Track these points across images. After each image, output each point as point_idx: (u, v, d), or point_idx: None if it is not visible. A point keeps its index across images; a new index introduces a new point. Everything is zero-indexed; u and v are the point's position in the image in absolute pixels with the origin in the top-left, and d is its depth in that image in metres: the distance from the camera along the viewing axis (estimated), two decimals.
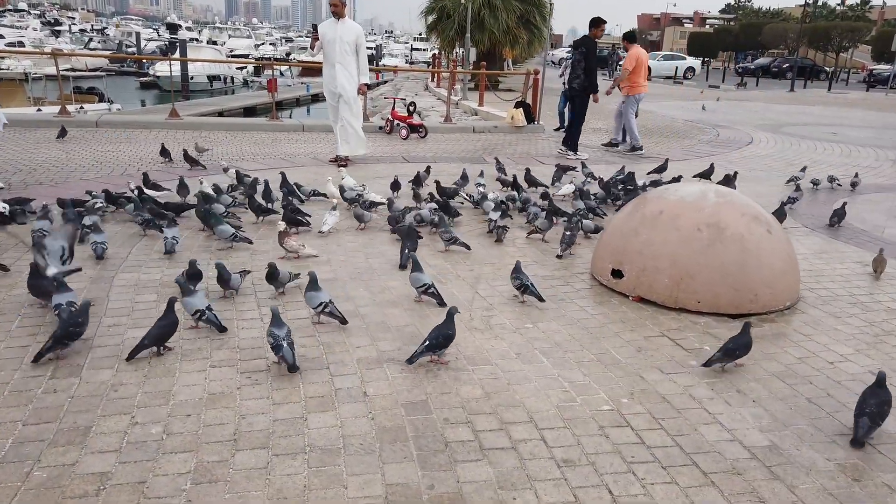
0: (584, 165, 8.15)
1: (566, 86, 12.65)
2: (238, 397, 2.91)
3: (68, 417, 2.70)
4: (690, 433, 2.75)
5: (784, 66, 44.51)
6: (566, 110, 12.86)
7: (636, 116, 10.76)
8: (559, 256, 4.97)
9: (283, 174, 6.42)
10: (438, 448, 2.60)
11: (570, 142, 10.13)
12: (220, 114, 22.46)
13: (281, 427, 2.70)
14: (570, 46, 11.96)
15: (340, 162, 8.53)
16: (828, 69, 45.82)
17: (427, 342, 3.19)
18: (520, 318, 3.88)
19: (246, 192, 6.09)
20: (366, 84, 8.53)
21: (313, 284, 3.67)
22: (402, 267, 4.58)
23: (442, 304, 3.97)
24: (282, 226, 4.69)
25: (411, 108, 12.34)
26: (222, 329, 3.52)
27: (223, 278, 3.94)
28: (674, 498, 2.36)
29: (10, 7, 74.06)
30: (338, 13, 8.04)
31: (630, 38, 11.29)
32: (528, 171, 7.47)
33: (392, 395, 2.97)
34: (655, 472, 2.49)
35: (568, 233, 4.97)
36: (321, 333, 3.57)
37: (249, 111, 26.30)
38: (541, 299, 4.05)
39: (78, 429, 2.63)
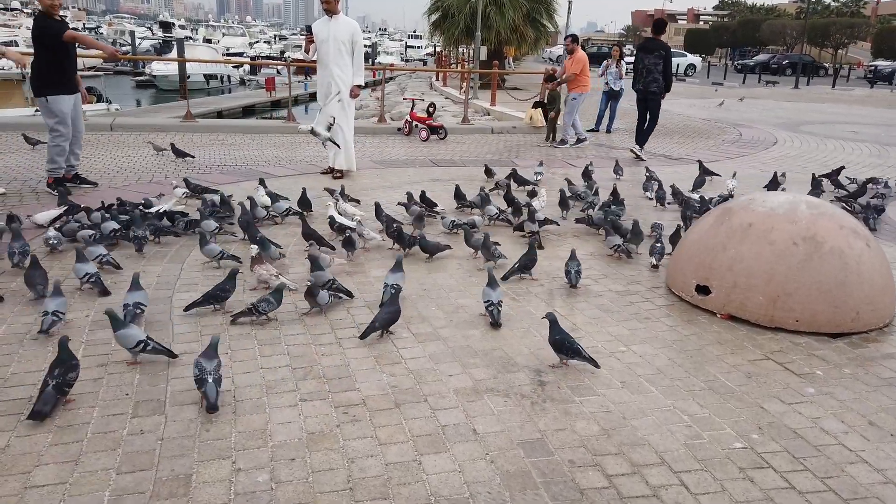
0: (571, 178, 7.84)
1: (609, 86, 12.57)
2: (340, 437, 2.68)
3: (164, 464, 2.46)
4: (839, 475, 2.53)
5: (784, 63, 44.46)
6: (608, 109, 12.80)
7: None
8: (654, 266, 4.85)
9: (303, 189, 5.99)
10: (574, 497, 2.37)
11: (641, 140, 10.00)
12: (220, 113, 22.20)
13: (396, 472, 2.48)
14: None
15: (335, 174, 7.80)
16: (826, 65, 45.81)
17: (577, 345, 3.26)
18: (610, 340, 3.66)
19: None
20: (359, 86, 7.70)
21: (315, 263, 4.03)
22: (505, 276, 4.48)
23: (495, 325, 3.75)
24: (254, 250, 4.19)
25: (431, 110, 12.09)
26: (173, 355, 3.21)
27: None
28: None
29: (2, 6, 73.15)
30: (330, 10, 7.42)
31: (575, 39, 11.73)
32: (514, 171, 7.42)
33: (504, 433, 2.74)
34: None
35: (658, 244, 4.80)
36: (407, 360, 3.35)
37: (248, 110, 26.01)
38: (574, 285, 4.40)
39: (178, 478, 2.39)
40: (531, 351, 3.49)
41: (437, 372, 3.24)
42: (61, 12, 6.62)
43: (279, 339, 3.52)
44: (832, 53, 53.54)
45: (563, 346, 3.24)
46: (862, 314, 3.74)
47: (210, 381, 2.81)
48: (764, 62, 45.76)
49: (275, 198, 5.80)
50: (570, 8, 17.46)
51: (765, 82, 32.60)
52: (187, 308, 3.76)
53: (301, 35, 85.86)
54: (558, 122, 11.43)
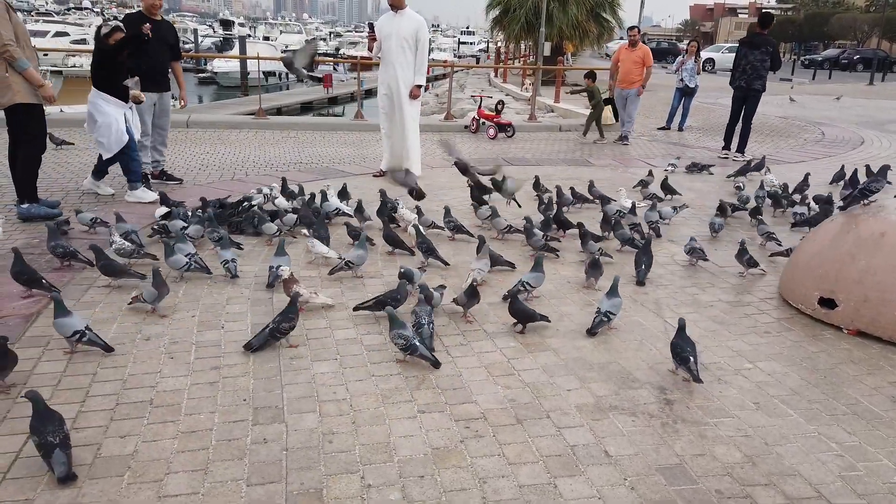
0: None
1: (683, 83, 12.15)
2: (466, 454, 2.57)
3: (293, 476, 2.40)
4: None
5: (854, 58, 42.58)
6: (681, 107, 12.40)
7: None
8: (743, 274, 4.68)
9: (381, 192, 5.65)
10: None
11: (741, 145, 9.56)
12: (279, 110, 22.52)
13: (533, 496, 2.35)
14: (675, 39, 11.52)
15: (376, 173, 7.60)
16: None
17: (690, 356, 3.10)
18: (732, 356, 3.45)
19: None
20: (419, 86, 7.28)
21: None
22: (640, 283, 4.41)
23: (591, 332, 3.60)
24: (286, 272, 3.82)
25: (499, 107, 11.93)
26: (109, 349, 3.18)
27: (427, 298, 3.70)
28: None
29: (73, 5, 76.09)
30: (395, 4, 7.07)
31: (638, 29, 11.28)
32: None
33: (639, 457, 2.58)
34: None
35: (746, 257, 4.55)
36: (521, 372, 3.22)
37: (306, 107, 26.32)
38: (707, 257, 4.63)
39: (308, 492, 2.32)
40: (650, 366, 3.31)
41: (554, 386, 3.10)
42: (126, 10, 6.63)
43: (385, 345, 3.43)
44: None
45: (675, 351, 3.11)
46: None
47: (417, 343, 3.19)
48: (833, 57, 43.87)
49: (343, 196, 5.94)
50: (643, 1, 16.76)
51: None
52: (356, 308, 3.75)
53: (356, 32, 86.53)
54: (622, 118, 11.09)
